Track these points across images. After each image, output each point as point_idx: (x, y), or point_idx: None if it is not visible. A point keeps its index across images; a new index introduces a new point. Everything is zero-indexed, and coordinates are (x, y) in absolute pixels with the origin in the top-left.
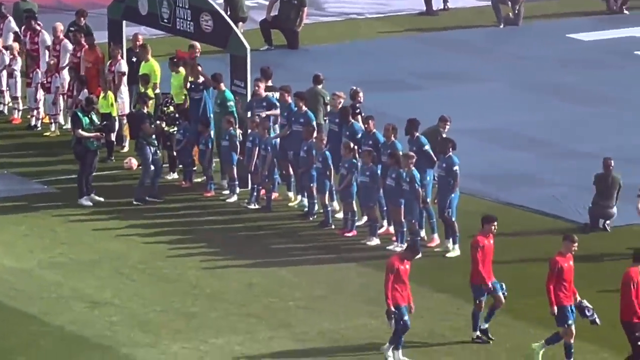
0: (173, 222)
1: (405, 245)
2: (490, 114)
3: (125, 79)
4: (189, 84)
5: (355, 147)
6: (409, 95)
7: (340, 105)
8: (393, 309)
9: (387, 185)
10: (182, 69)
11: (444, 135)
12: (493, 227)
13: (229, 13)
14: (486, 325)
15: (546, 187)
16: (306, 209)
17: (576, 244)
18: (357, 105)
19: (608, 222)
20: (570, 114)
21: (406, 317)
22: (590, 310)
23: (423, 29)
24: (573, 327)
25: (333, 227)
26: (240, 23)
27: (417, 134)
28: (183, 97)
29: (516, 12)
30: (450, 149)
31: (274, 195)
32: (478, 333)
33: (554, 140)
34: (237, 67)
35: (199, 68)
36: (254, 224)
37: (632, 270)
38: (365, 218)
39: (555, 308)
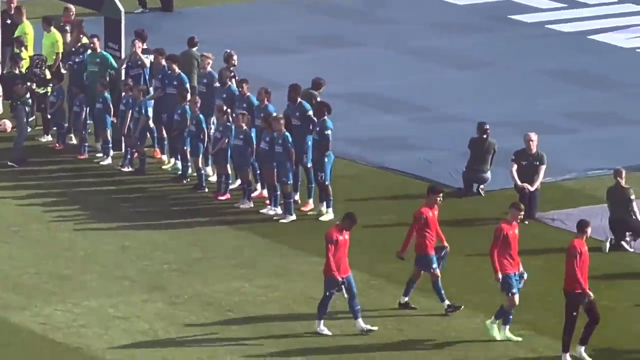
0: (46, 184)
1: (278, 209)
2: (365, 77)
3: None
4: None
5: (229, 110)
6: (284, 59)
7: (209, 67)
8: (341, 279)
9: (260, 149)
10: (54, 29)
11: (319, 99)
12: (438, 199)
13: None
14: (406, 299)
15: (420, 151)
16: (180, 172)
17: (522, 212)
18: (232, 68)
19: (482, 186)
20: (445, 78)
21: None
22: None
23: None
24: (517, 297)
25: (207, 190)
26: None
27: (300, 99)
28: (54, 57)
29: None
30: (325, 113)
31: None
32: (447, 302)
33: (428, 104)
34: (111, 29)
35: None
36: (127, 186)
37: (576, 241)
38: (238, 181)
39: (500, 275)
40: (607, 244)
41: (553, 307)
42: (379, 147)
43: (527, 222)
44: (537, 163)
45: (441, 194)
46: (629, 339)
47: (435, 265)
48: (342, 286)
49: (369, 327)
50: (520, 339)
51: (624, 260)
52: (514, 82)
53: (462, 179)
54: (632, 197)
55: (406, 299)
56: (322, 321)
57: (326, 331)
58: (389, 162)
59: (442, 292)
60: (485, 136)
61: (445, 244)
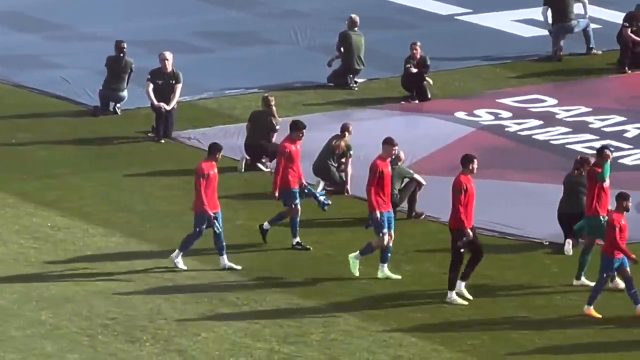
0: None
1: None
2: None
3: None
4: None
5: None
6: None
7: None
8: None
9: None
10: None
11: None
12: (301, 134)
13: None
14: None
15: (57, 70)
16: None
17: (396, 147)
18: None
19: (118, 105)
20: None
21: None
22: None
23: None
24: (386, 237)
25: None
26: None
27: None
28: None
29: None
30: None
31: None
32: (297, 239)
33: (64, 22)
34: None
35: None
36: None
37: (462, 177)
38: None
39: (378, 214)
40: (242, 163)
41: (189, 225)
42: (16, 65)
43: (163, 141)
44: (173, 82)
45: (304, 129)
46: (267, 257)
47: (297, 201)
48: (215, 221)
49: (232, 265)
50: (399, 277)
51: (260, 180)
52: (150, 1)
53: (98, 98)
54: None
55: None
56: (181, 254)
57: (181, 264)
58: (26, 80)
59: (297, 228)
60: (122, 55)
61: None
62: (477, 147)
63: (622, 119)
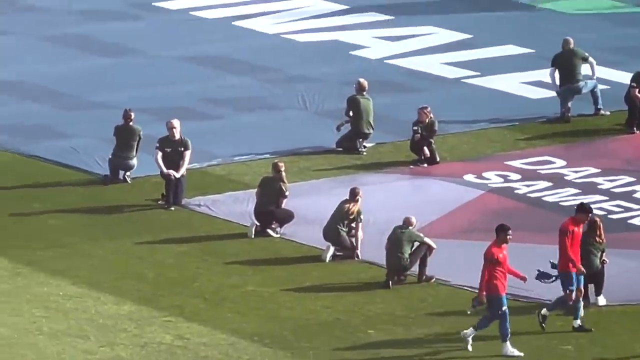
0: None
1: None
2: (9, 65)
3: None
4: None
5: None
6: None
7: None
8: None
9: None
10: None
11: None
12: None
13: None
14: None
15: (65, 139)
16: None
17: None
18: None
19: (128, 173)
20: (90, 65)
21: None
22: None
23: None
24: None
25: None
26: None
27: None
28: None
29: None
30: None
31: None
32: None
33: (72, 91)
34: None
35: None
36: None
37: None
38: None
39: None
40: (252, 229)
41: (200, 292)
42: (27, 135)
43: (173, 209)
44: (182, 149)
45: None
46: (278, 322)
47: (572, 288)
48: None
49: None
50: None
51: (269, 246)
52: (157, 68)
53: (108, 166)
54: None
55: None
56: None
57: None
58: (36, 149)
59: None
60: (130, 123)
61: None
62: (487, 210)
63: (632, 179)
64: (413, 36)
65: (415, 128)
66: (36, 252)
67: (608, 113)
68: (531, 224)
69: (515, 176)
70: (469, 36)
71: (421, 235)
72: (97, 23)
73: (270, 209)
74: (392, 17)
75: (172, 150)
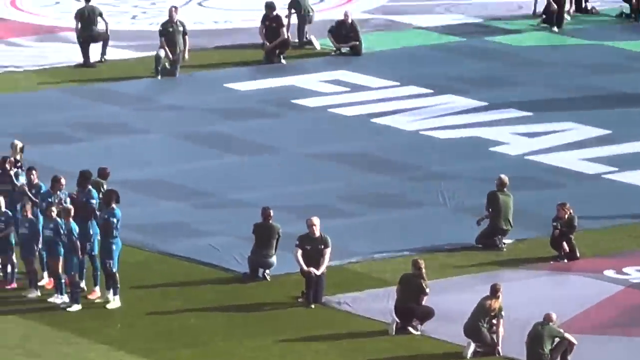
0: None
1: (65, 297)
2: (149, 165)
3: None
4: None
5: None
6: (70, 147)
7: None
8: None
9: (45, 237)
10: None
11: (106, 187)
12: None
13: None
14: None
15: (205, 237)
16: None
17: None
18: (19, 158)
19: (267, 271)
20: (227, 163)
21: None
22: None
23: (82, 81)
24: None
25: None
26: None
27: (89, 186)
28: None
29: (172, 62)
30: (114, 201)
31: None
32: None
33: (211, 190)
34: None
35: None
36: None
37: None
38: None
39: None
40: (393, 327)
41: None
42: (165, 234)
43: (313, 306)
44: (322, 247)
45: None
46: None
47: None
48: None
49: None
50: None
51: (410, 343)
52: (296, 166)
53: (247, 264)
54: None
55: None
56: None
57: None
58: (175, 248)
59: None
60: (269, 221)
61: None
62: (627, 306)
63: None
64: (552, 132)
65: (555, 224)
66: (176, 352)
67: None
68: None
69: None
70: (608, 132)
71: (561, 330)
72: (235, 121)
73: (411, 305)
74: (531, 114)
75: (312, 248)
